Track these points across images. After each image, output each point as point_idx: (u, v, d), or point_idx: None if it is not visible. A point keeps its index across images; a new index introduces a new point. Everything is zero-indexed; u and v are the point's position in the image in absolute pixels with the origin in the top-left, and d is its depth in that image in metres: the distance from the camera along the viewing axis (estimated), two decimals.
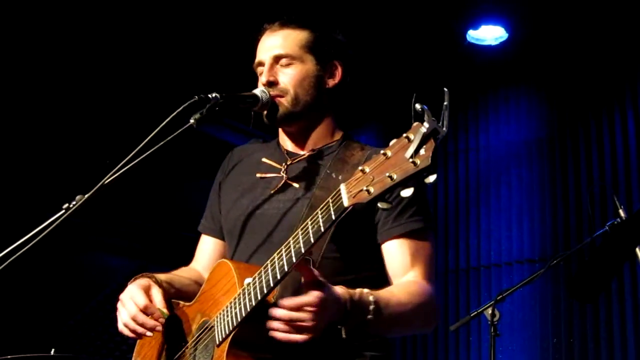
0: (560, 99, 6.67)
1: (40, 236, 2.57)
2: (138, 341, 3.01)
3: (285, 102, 2.82)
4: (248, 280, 2.44)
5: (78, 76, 5.85)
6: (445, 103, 2.11)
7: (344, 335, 2.38)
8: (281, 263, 2.31)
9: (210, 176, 3.20)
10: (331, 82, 2.88)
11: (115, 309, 2.83)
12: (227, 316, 2.50)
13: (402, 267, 2.64)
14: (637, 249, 4.10)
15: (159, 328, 2.69)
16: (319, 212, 2.22)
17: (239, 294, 2.47)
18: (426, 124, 2.03)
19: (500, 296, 4.69)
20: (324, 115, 2.90)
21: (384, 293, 2.51)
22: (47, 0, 5.39)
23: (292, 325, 2.30)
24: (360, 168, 2.12)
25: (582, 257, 5.67)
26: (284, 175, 2.83)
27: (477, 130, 7.10)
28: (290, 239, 2.31)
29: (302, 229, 2.27)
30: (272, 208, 2.79)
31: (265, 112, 2.84)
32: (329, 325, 2.35)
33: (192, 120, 2.63)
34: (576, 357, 6.13)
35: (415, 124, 2.05)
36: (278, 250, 2.35)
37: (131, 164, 2.62)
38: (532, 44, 6.63)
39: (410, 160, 2.02)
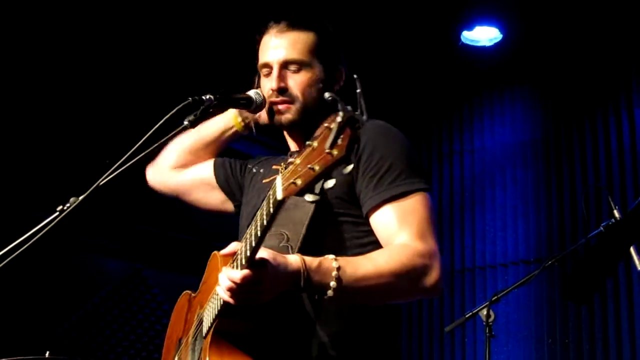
0: (554, 100, 6.68)
1: (35, 238, 2.57)
2: (169, 325, 3.10)
3: (293, 109, 2.80)
4: None
5: (73, 77, 5.84)
6: (358, 90, 2.09)
7: (322, 304, 2.44)
8: (240, 256, 2.33)
9: None
10: (336, 88, 2.87)
11: (109, 312, 2.84)
12: (210, 309, 2.53)
13: (390, 233, 2.57)
14: (631, 249, 4.11)
15: None
16: (264, 205, 2.21)
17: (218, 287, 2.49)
18: (340, 113, 2.00)
19: (496, 297, 4.69)
20: (326, 115, 2.91)
21: (355, 258, 2.48)
22: (45, 2, 5.39)
23: (231, 292, 2.33)
24: (291, 159, 2.15)
25: (577, 258, 5.68)
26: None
27: (472, 132, 7.11)
28: (247, 231, 2.31)
29: (254, 222, 2.27)
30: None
31: (269, 116, 2.85)
32: (289, 294, 2.39)
33: (186, 122, 2.63)
34: (571, 358, 6.14)
35: (335, 114, 2.03)
36: (241, 245, 2.35)
37: (126, 166, 2.62)
38: (527, 45, 6.64)
39: (327, 151, 2.00)
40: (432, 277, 2.53)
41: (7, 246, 2.59)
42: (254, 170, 3.07)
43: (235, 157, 3.20)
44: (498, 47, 6.56)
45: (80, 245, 6.26)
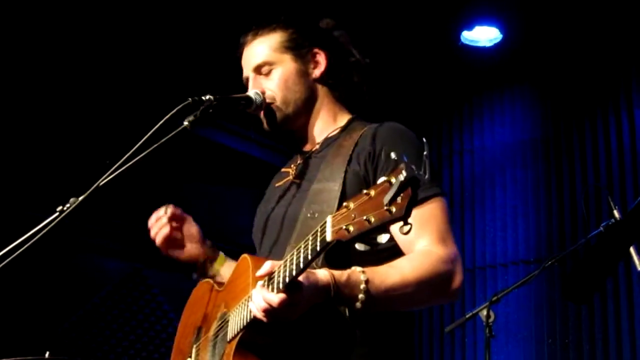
0: (554, 100, 6.68)
1: (35, 239, 2.57)
2: (183, 312, 3.14)
3: (276, 107, 2.86)
4: (261, 283, 2.47)
5: (73, 77, 5.85)
6: (424, 153, 2.03)
7: (347, 314, 2.43)
8: (278, 279, 2.33)
9: (208, 179, 3.22)
10: (317, 72, 2.91)
11: (109, 312, 2.86)
12: (238, 316, 2.53)
13: (411, 239, 2.57)
14: (631, 249, 4.11)
15: (164, 220, 3.00)
16: (309, 239, 2.21)
17: (247, 297, 2.49)
18: (404, 172, 1.96)
19: (496, 297, 4.69)
20: (322, 105, 2.93)
21: (381, 268, 2.48)
22: (44, 6, 5.39)
23: (265, 312, 2.34)
24: (345, 203, 2.09)
25: (577, 258, 5.67)
26: (291, 177, 2.90)
27: (472, 132, 7.11)
28: (287, 257, 2.32)
29: (296, 252, 2.27)
30: (278, 209, 2.84)
31: (265, 121, 2.89)
32: (321, 308, 2.40)
33: (186, 123, 2.64)
34: (571, 358, 6.14)
35: (400, 167, 1.99)
36: (279, 266, 2.35)
37: (125, 166, 2.63)
38: (527, 45, 6.64)
39: (386, 207, 1.98)
40: (456, 281, 2.59)
41: (7, 246, 2.60)
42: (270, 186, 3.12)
43: (233, 158, 3.22)
44: (498, 47, 6.57)
45: (80, 245, 6.26)
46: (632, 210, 4.17)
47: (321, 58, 2.93)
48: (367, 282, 2.40)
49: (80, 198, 2.61)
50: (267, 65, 2.89)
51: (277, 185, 2.96)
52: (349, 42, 3.03)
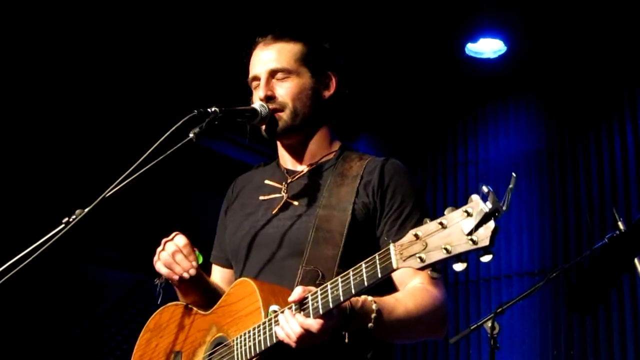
0: (559, 111, 6.68)
1: (40, 250, 2.58)
2: (140, 338, 3.06)
3: (284, 116, 2.85)
4: (274, 307, 2.48)
5: (78, 87, 5.87)
6: (510, 186, 2.08)
7: (346, 340, 2.45)
8: (315, 305, 2.36)
9: (211, 190, 3.22)
10: (327, 94, 2.92)
11: (114, 324, 2.85)
12: (250, 341, 2.53)
13: (407, 275, 2.63)
14: (636, 260, 4.11)
15: (193, 271, 2.78)
16: (363, 266, 2.27)
17: (264, 322, 2.50)
18: (489, 204, 2.03)
19: (500, 309, 4.68)
20: (321, 126, 2.94)
21: (389, 300, 2.54)
22: (44, 15, 5.42)
23: (299, 339, 2.38)
24: (413, 232, 2.14)
25: (581, 270, 5.67)
26: (284, 195, 2.87)
27: (477, 143, 7.11)
28: (328, 284, 2.36)
29: (342, 278, 2.32)
30: (274, 227, 2.82)
31: (264, 127, 2.87)
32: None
33: (191, 135, 2.64)
34: None
35: (474, 198, 2.05)
36: (314, 292, 2.39)
37: (131, 178, 2.63)
38: (531, 57, 6.65)
39: (469, 237, 2.04)
40: (444, 323, 2.70)
41: (12, 258, 2.60)
42: (237, 192, 3.08)
43: (226, 164, 3.21)
44: (502, 59, 6.57)
45: (85, 257, 6.27)
46: (637, 222, 4.17)
47: (332, 82, 2.93)
48: (378, 311, 2.46)
49: (86, 210, 2.62)
50: (285, 73, 2.87)
51: (262, 198, 2.93)
52: (350, 72, 3.06)
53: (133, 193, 2.65)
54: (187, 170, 6.20)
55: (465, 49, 6.52)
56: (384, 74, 6.68)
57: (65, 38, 5.60)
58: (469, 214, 2.05)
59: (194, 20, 5.80)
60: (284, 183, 2.91)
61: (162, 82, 6.08)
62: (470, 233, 2.04)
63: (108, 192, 2.63)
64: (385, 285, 2.59)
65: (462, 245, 2.06)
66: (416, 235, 2.13)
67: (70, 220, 2.62)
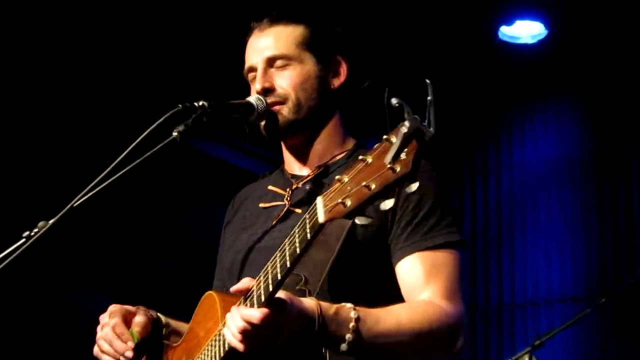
0: (608, 109, 6.67)
1: None
2: None
3: (286, 109, 2.82)
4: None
5: (56, 86, 5.93)
6: (429, 97, 2.05)
7: (327, 358, 2.43)
8: (259, 292, 2.32)
9: (207, 202, 3.21)
10: (336, 82, 2.89)
11: (92, 342, 2.86)
12: (207, 357, 2.52)
13: (415, 286, 2.60)
14: None
15: (129, 354, 2.73)
16: (296, 231, 2.21)
17: (219, 330, 2.47)
18: (407, 123, 1.98)
19: (539, 341, 4.68)
20: (330, 121, 2.91)
21: (375, 310, 2.48)
22: (40, 15, 5.48)
23: (244, 335, 2.32)
24: (337, 177, 2.09)
25: (634, 295, 5.66)
26: (286, 203, 2.85)
27: (511, 145, 7.10)
28: (269, 263, 2.31)
29: (279, 252, 2.27)
30: (272, 239, 2.78)
31: (262, 124, 2.84)
32: (300, 345, 2.39)
33: (175, 133, 2.61)
34: None
35: (401, 123, 2.00)
36: (257, 279, 2.35)
37: (106, 183, 2.61)
38: (576, 43, 6.63)
39: (389, 166, 1.98)
40: (460, 342, 2.59)
41: None
42: (237, 206, 3.08)
43: (224, 170, 3.21)
44: (542, 45, 6.57)
45: (65, 276, 6.38)
46: None
47: (343, 69, 2.90)
48: (357, 320, 2.40)
49: (51, 222, 2.60)
50: (284, 60, 2.84)
51: (262, 206, 2.92)
52: (366, 59, 3.03)
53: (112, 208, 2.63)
54: (179, 179, 6.25)
55: (499, 33, 6.52)
56: (406, 63, 6.65)
57: (52, 38, 5.66)
58: (391, 143, 1.99)
59: (185, 8, 5.81)
60: (288, 189, 2.88)
61: (147, 75, 6.10)
62: (391, 162, 1.97)
63: (77, 201, 2.60)
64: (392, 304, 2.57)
65: (383, 177, 1.98)
66: (340, 181, 2.07)
67: (32, 234, 2.60)
